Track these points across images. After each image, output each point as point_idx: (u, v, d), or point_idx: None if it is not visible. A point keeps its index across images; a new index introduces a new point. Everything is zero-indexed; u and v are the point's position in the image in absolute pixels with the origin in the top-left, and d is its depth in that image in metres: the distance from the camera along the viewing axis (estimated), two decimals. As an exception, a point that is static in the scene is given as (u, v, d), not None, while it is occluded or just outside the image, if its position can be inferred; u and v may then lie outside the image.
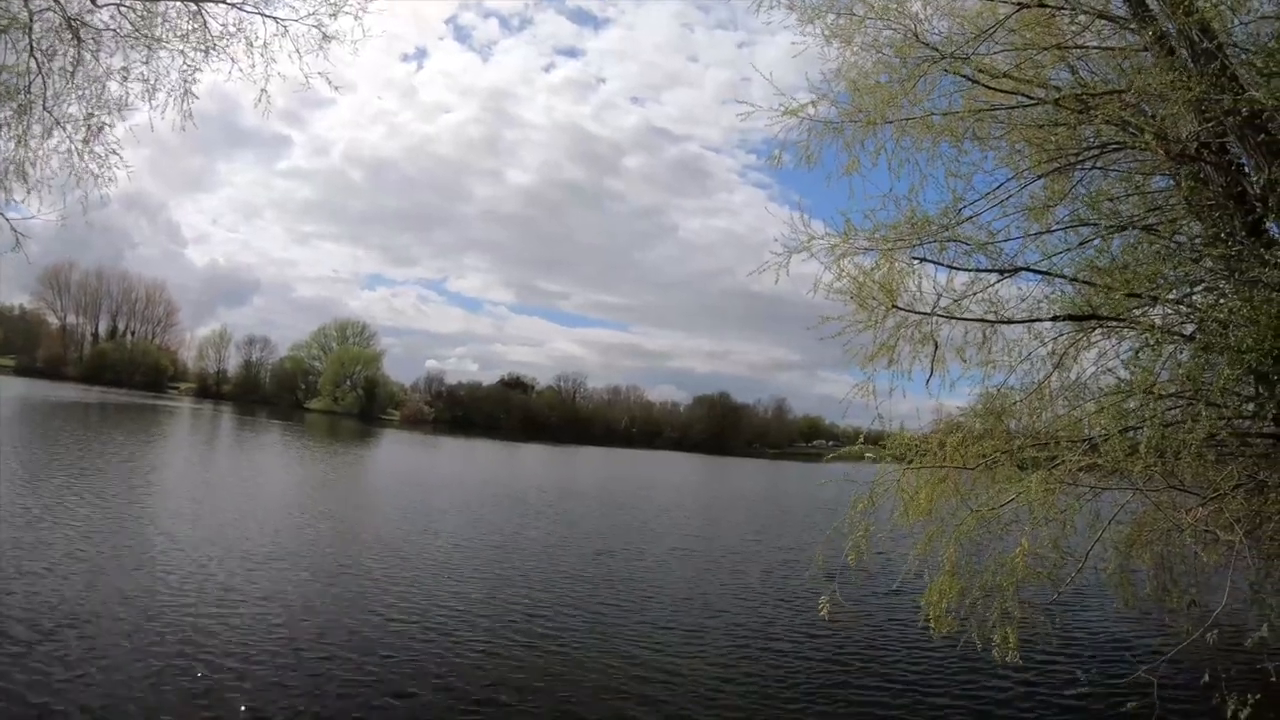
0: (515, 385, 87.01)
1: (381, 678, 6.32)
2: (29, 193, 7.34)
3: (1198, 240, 5.96)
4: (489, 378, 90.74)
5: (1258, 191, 4.83)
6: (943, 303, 4.81)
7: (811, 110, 5.01)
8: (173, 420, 43.45)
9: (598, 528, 17.57)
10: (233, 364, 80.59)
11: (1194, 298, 5.87)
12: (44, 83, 6.98)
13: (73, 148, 7.25)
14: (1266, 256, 4.53)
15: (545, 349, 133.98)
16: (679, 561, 13.66)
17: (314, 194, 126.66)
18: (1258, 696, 4.52)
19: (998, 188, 5.26)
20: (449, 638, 7.61)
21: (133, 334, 79.81)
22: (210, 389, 76.74)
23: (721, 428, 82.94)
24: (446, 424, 74.20)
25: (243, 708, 5.48)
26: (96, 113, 7.27)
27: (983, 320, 4.89)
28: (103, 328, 79.10)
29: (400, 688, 6.15)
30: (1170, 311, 5.69)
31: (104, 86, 7.14)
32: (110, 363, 73.36)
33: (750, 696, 6.70)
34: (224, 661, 6.24)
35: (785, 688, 6.99)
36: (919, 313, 4.73)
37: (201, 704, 5.48)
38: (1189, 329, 5.66)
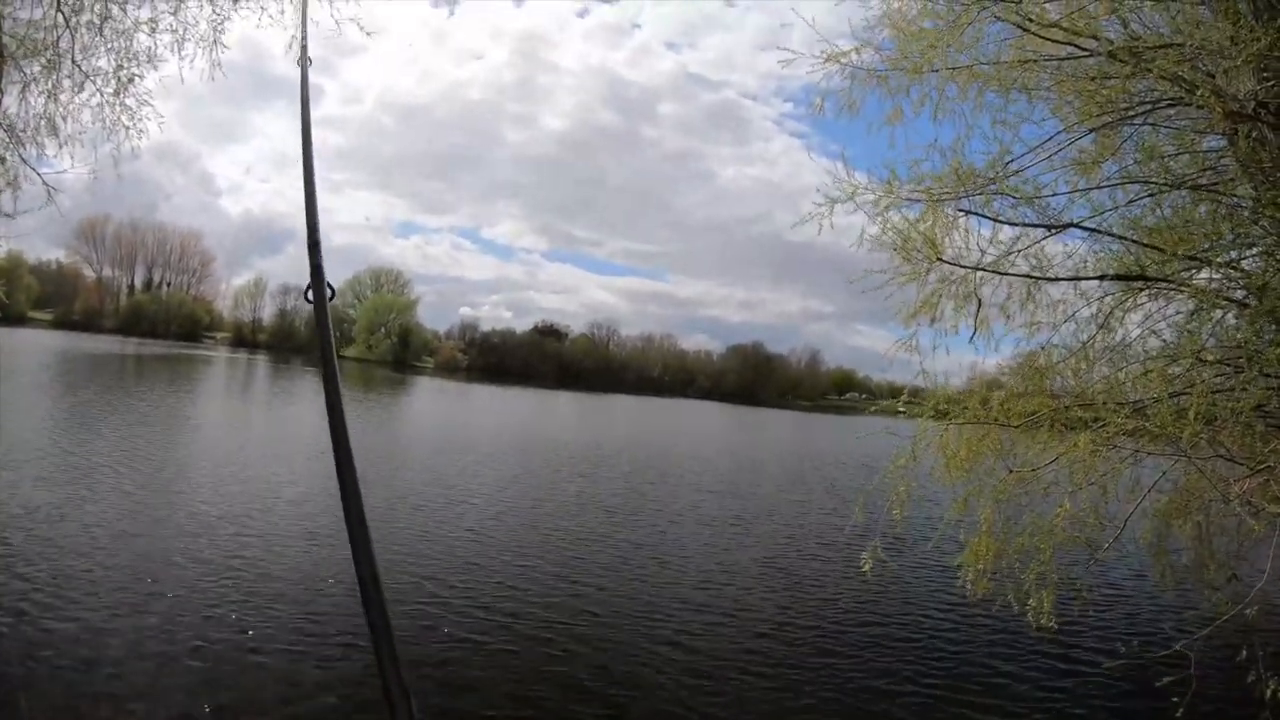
0: (549, 332, 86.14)
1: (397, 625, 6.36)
2: (61, 147, 7.37)
3: (1253, 202, 5.74)
4: (522, 325, 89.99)
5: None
6: (988, 258, 4.65)
7: (854, 57, 4.84)
8: (208, 369, 44.17)
9: (633, 481, 17.85)
10: (268, 313, 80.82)
11: (1245, 263, 5.67)
12: (72, 37, 6.96)
13: (103, 101, 7.26)
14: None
15: (578, 296, 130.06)
16: (723, 518, 13.81)
17: (346, 142, 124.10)
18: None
19: (1046, 140, 5.06)
20: (478, 589, 7.67)
21: (168, 285, 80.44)
22: (246, 338, 77.40)
23: (755, 378, 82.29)
24: (480, 371, 73.62)
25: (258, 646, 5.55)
26: (126, 65, 7.25)
27: (1028, 277, 4.73)
28: (139, 279, 79.94)
29: (415, 634, 6.19)
30: (1220, 276, 5.50)
31: (132, 39, 7.12)
32: (146, 314, 74.24)
33: (781, 653, 6.67)
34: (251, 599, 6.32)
35: (817, 642, 6.98)
36: (964, 267, 4.58)
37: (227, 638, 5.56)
38: (1239, 294, 5.47)
